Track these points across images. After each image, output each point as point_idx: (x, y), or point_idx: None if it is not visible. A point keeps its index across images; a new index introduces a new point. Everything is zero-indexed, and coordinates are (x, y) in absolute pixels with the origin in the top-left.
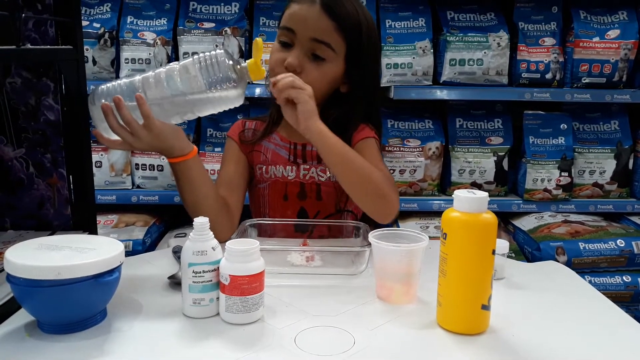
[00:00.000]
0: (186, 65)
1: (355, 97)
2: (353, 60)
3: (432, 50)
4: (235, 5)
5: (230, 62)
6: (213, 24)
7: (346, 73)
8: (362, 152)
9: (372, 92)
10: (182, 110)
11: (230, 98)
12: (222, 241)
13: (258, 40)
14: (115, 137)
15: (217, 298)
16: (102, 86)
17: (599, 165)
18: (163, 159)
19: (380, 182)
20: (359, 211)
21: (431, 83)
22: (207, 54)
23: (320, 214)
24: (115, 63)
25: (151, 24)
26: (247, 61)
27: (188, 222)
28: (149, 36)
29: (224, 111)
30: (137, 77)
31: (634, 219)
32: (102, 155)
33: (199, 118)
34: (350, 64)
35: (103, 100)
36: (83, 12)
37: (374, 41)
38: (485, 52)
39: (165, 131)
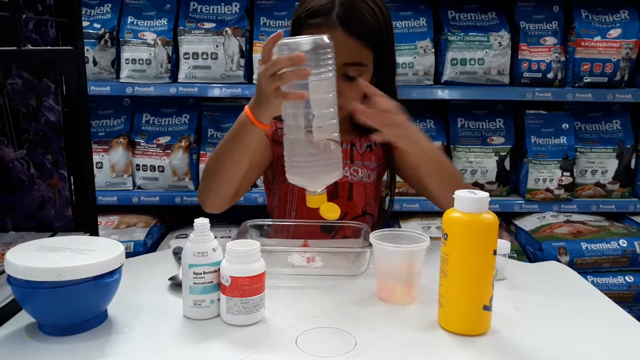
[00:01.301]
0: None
1: (386, 85)
2: (380, 58)
3: (433, 50)
4: (236, 5)
5: (331, 166)
6: (213, 24)
7: (375, 70)
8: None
9: (394, 78)
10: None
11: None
12: (208, 209)
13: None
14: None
15: (218, 299)
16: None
17: (601, 165)
18: (164, 159)
19: (458, 178)
20: (376, 215)
21: (432, 83)
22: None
23: (349, 214)
24: (116, 63)
25: (151, 24)
26: (323, 192)
27: (189, 223)
28: (150, 36)
29: (225, 111)
30: (325, 77)
31: (637, 218)
32: (103, 156)
33: (200, 118)
34: (378, 62)
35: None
36: (83, 12)
37: (391, 27)
38: (486, 52)
39: (273, 103)
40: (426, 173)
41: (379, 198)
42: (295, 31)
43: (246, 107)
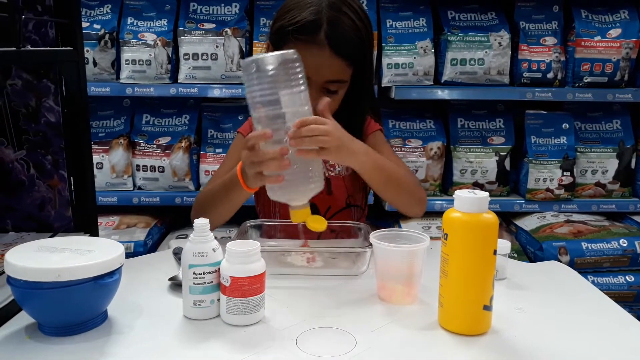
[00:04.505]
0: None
1: (362, 95)
2: (360, 71)
3: (433, 50)
4: (236, 6)
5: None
6: (213, 25)
7: (352, 80)
8: (375, 147)
9: (372, 83)
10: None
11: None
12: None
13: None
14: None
15: (218, 299)
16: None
17: (601, 165)
18: (164, 160)
19: (410, 183)
20: (364, 205)
21: (432, 83)
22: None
23: (331, 209)
24: (116, 64)
25: (151, 25)
26: (306, 206)
27: (189, 224)
28: (150, 37)
29: (225, 111)
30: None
31: (637, 218)
32: (103, 156)
33: (200, 119)
34: (357, 74)
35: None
36: (83, 13)
37: (372, 39)
38: (486, 52)
39: (257, 182)
40: (373, 185)
41: (367, 189)
42: (279, 42)
43: (239, 167)
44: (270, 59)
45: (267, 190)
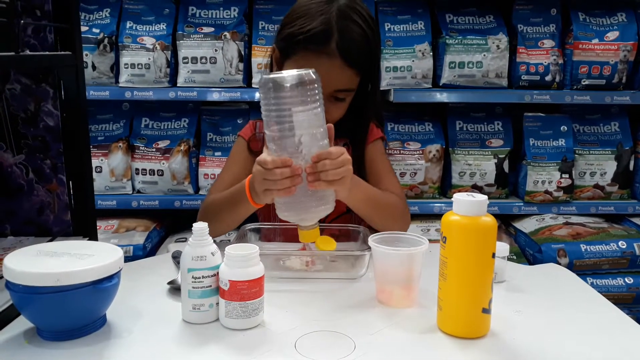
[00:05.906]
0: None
1: (368, 101)
2: (366, 77)
3: (431, 53)
4: (235, 10)
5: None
6: (212, 29)
7: (359, 86)
8: (373, 159)
9: (378, 89)
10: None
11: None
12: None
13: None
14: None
15: (217, 303)
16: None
17: (599, 167)
18: (163, 163)
19: (396, 209)
20: None
21: (431, 86)
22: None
23: (332, 213)
24: (115, 68)
25: (150, 29)
26: (315, 226)
27: (188, 227)
28: (148, 41)
29: (224, 115)
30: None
31: (636, 220)
32: (102, 160)
33: (199, 122)
34: (364, 80)
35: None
36: (82, 17)
37: (379, 46)
38: (484, 55)
39: (265, 199)
40: (363, 215)
41: None
42: (287, 50)
43: (247, 181)
44: (288, 78)
45: (276, 209)
